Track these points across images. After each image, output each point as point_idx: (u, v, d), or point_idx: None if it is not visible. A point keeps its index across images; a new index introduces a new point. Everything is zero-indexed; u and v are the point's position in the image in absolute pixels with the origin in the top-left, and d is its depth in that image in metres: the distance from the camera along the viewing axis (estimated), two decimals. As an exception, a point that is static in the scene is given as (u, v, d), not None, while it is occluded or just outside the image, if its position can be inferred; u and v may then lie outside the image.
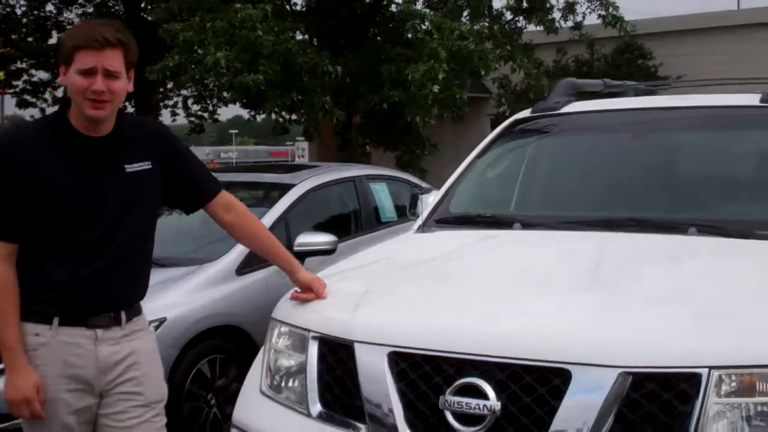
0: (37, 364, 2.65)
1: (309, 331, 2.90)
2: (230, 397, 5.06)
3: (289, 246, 5.49)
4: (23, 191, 2.61)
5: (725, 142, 4.03)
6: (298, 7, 13.62)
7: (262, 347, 3.23)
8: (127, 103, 20.10)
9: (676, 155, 4.07)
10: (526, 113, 4.61)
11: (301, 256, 5.42)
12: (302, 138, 34.23)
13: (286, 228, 5.72)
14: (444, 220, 3.99)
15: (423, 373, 2.56)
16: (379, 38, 13.41)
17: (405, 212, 6.80)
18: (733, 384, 2.30)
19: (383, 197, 6.70)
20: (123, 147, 2.77)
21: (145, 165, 2.80)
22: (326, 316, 2.92)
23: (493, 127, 20.56)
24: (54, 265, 2.66)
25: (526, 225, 3.68)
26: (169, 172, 2.88)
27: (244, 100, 16.20)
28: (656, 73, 16.59)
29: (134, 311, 2.86)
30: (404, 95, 11.14)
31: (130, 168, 2.76)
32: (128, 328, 2.81)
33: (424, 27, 11.51)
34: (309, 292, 3.06)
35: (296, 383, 2.93)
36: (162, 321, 4.64)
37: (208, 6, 11.53)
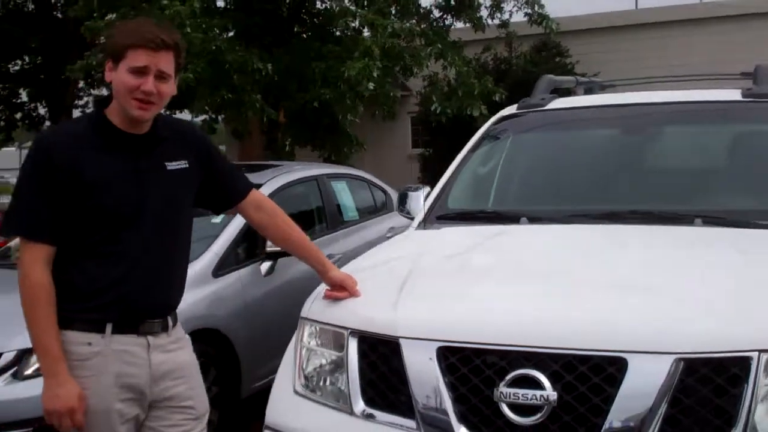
0: (87, 374, 2.56)
1: (347, 329, 2.87)
2: (211, 400, 4.95)
3: (262, 245, 5.43)
4: (66, 190, 2.52)
5: (715, 135, 4.17)
6: (222, 3, 13.39)
7: (291, 347, 3.18)
8: (38, 104, 19.42)
9: (672, 149, 4.18)
10: (512, 110, 4.65)
11: (275, 255, 5.38)
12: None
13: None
14: (445, 216, 3.99)
15: (474, 367, 2.57)
16: (305, 36, 13.32)
17: (365, 210, 6.86)
18: None
19: (344, 195, 6.67)
20: (162, 145, 2.72)
21: (183, 164, 2.76)
22: (366, 314, 2.90)
23: (414, 126, 20.52)
24: (98, 268, 2.57)
25: (533, 219, 3.71)
26: (203, 172, 2.84)
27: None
28: (573, 71, 16.97)
29: (176, 317, 2.81)
30: (335, 93, 11.10)
31: (171, 166, 2.72)
32: (173, 335, 2.77)
33: (354, 24, 11.48)
34: (341, 290, 3.04)
35: (334, 382, 2.91)
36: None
37: (129, 2, 11.21)
